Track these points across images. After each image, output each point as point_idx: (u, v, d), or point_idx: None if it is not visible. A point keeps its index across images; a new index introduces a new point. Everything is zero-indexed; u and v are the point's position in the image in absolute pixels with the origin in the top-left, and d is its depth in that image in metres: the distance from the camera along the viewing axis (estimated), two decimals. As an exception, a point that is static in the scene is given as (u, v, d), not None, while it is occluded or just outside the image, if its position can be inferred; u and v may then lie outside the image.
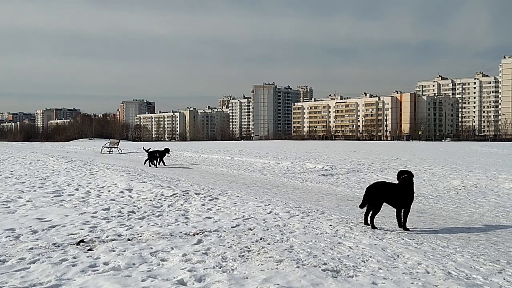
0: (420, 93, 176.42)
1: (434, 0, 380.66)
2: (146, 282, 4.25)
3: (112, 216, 7.45)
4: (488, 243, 6.07)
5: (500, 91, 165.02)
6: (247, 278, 4.36)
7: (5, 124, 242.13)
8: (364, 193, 7.03)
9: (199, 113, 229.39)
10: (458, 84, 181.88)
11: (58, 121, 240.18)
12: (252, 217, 7.38)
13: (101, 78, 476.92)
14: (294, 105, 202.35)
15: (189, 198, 9.33)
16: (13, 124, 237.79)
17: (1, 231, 6.28)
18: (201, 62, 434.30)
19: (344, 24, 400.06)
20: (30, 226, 6.61)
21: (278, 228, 6.57)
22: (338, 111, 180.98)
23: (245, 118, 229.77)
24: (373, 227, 6.70)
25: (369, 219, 6.80)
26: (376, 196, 6.78)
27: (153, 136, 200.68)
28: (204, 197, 9.41)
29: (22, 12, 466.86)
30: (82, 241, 5.75)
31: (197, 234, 6.19)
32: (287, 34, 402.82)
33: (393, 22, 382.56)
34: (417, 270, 4.63)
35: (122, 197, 9.67)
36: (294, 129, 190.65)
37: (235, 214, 7.71)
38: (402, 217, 6.85)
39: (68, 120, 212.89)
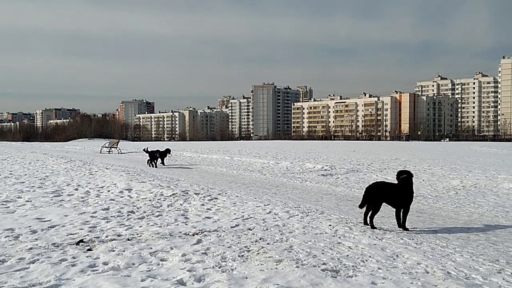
0: (420, 93, 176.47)
1: (434, 0, 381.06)
2: (145, 282, 4.25)
3: (111, 216, 7.45)
4: (487, 243, 6.07)
5: (499, 91, 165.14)
6: (246, 278, 4.36)
7: (4, 124, 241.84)
8: (363, 193, 7.03)
9: (199, 113, 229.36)
10: (457, 84, 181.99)
11: (58, 121, 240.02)
12: (251, 217, 7.38)
13: (101, 78, 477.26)
14: (293, 105, 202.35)
15: (189, 198, 9.33)
16: (12, 124, 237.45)
17: (0, 231, 6.28)
18: (201, 62, 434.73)
19: (344, 24, 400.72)
20: (30, 226, 6.61)
21: (277, 228, 6.58)
22: (337, 111, 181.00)
23: (244, 118, 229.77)
24: (373, 227, 6.70)
25: (368, 219, 6.81)
26: (375, 196, 6.78)
27: (153, 136, 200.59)
28: (204, 197, 9.41)
29: (22, 12, 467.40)
30: (81, 241, 5.75)
31: (197, 234, 6.19)
32: (287, 34, 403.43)
33: (393, 22, 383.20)
34: (416, 270, 4.63)
35: (122, 197, 9.67)
36: (294, 129, 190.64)
37: (235, 214, 7.71)
38: (401, 217, 6.85)
39: (68, 120, 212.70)
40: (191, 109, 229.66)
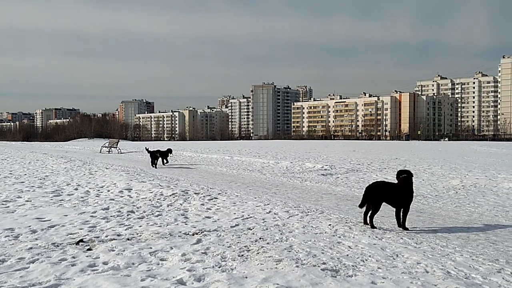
0: (420, 93, 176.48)
1: (434, 0, 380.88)
2: (145, 281, 4.25)
3: (111, 216, 7.46)
4: (487, 242, 6.07)
5: (499, 90, 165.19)
6: (246, 277, 4.36)
7: (4, 124, 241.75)
8: (363, 193, 7.03)
9: (199, 113, 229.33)
10: (457, 84, 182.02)
11: (58, 120, 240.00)
12: (251, 217, 7.38)
13: (101, 78, 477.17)
14: (293, 105, 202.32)
15: (189, 197, 9.33)
16: (12, 123, 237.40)
17: (0, 231, 6.28)
18: (200, 62, 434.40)
19: (344, 24, 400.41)
20: (29, 226, 6.61)
21: (277, 227, 6.58)
22: (337, 110, 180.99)
23: (244, 118, 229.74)
24: (372, 226, 6.70)
25: (368, 218, 6.81)
26: (375, 196, 6.78)
27: (153, 136, 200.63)
28: (204, 196, 9.41)
29: (22, 12, 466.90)
30: (81, 240, 5.75)
31: (197, 234, 6.19)
32: (287, 34, 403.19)
33: (393, 22, 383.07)
34: (416, 270, 4.63)
35: (122, 196, 9.67)
36: (294, 129, 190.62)
37: (235, 213, 7.71)
38: (401, 217, 6.85)
39: (68, 120, 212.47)
40: (191, 109, 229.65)
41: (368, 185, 7.17)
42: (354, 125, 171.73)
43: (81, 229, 6.47)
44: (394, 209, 6.95)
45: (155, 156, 19.03)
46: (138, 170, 16.26)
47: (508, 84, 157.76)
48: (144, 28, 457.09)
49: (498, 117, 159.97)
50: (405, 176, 6.94)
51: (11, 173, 14.77)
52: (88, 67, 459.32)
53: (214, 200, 9.09)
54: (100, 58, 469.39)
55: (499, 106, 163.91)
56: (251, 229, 6.45)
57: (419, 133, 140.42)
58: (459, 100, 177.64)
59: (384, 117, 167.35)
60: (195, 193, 9.78)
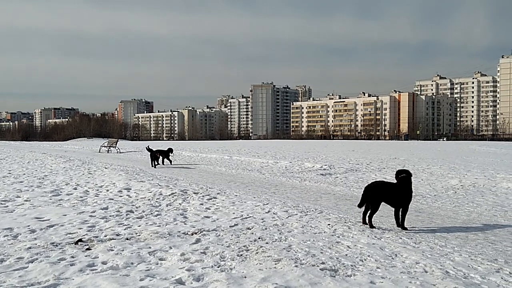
0: (419, 93, 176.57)
1: (433, 0, 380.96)
2: (144, 281, 4.25)
3: (110, 216, 7.45)
4: (486, 242, 6.08)
5: (498, 90, 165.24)
6: (245, 277, 4.36)
7: (3, 123, 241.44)
8: (362, 193, 7.04)
9: (198, 113, 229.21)
10: (456, 84, 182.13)
11: (57, 120, 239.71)
12: (250, 217, 7.39)
13: (101, 78, 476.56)
14: (292, 104, 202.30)
15: (188, 197, 9.33)
16: (11, 123, 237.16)
17: (-1, 231, 6.27)
18: (200, 62, 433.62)
19: (344, 24, 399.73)
20: (28, 226, 6.61)
21: (276, 227, 6.58)
22: (336, 110, 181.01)
23: (243, 118, 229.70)
24: (371, 226, 6.70)
25: (367, 218, 6.81)
26: (374, 196, 6.78)
27: (152, 135, 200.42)
28: (203, 196, 9.41)
29: (22, 12, 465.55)
30: (80, 240, 5.75)
31: (196, 234, 6.19)
32: (286, 34, 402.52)
33: (393, 22, 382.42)
34: (415, 269, 4.63)
35: (121, 196, 9.67)
36: (293, 129, 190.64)
37: (234, 213, 7.71)
38: (400, 216, 6.85)
39: (67, 119, 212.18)
40: (190, 108, 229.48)
41: (367, 184, 7.18)
42: (353, 125, 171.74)
43: (80, 228, 6.47)
44: (393, 209, 6.95)
45: (155, 156, 18.89)
46: (137, 170, 16.25)
47: (507, 84, 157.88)
48: (144, 28, 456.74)
49: (497, 117, 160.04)
50: (404, 176, 6.94)
51: (10, 173, 14.75)
52: (88, 67, 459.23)
53: (213, 199, 9.09)
54: (100, 58, 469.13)
55: (498, 106, 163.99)
56: (250, 229, 6.45)
57: (418, 133, 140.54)
58: (458, 100, 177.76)
59: (383, 117, 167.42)
60: (194, 193, 9.78)
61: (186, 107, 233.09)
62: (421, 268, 4.69)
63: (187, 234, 6.19)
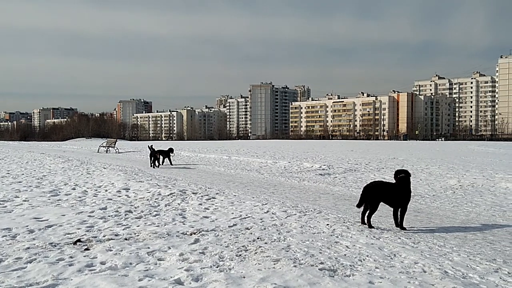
0: (417, 93, 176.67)
1: (433, 1, 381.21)
2: (143, 281, 4.25)
3: (109, 216, 7.45)
4: (485, 242, 6.09)
5: (497, 90, 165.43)
6: (244, 277, 4.36)
7: (1, 123, 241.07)
8: (361, 193, 7.04)
9: (197, 113, 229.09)
10: (455, 84, 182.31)
11: (55, 120, 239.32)
12: (249, 217, 7.38)
13: (101, 78, 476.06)
14: (291, 104, 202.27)
15: (186, 197, 9.32)
16: (9, 123, 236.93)
17: (-3, 231, 6.26)
18: (199, 62, 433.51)
19: (344, 24, 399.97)
20: (27, 226, 6.60)
21: (275, 227, 6.58)
22: (335, 110, 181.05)
23: (242, 118, 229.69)
24: (370, 226, 6.71)
25: (366, 218, 6.82)
26: (373, 196, 6.79)
27: (150, 135, 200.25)
28: (201, 196, 9.41)
29: (22, 12, 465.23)
30: (79, 240, 5.74)
31: (194, 234, 6.19)
32: (286, 34, 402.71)
33: (392, 22, 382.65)
34: (413, 269, 4.64)
35: (119, 196, 9.66)
36: (292, 129, 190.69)
37: (232, 213, 7.71)
38: (399, 216, 6.86)
39: (65, 119, 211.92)
40: (189, 108, 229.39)
41: (365, 184, 7.19)
42: (352, 125, 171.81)
43: (78, 229, 6.46)
44: (392, 209, 6.96)
45: (155, 156, 18.71)
46: (136, 170, 16.24)
47: (506, 84, 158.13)
48: (144, 28, 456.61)
49: (496, 117, 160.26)
50: (403, 176, 6.95)
51: (8, 173, 14.74)
52: (88, 67, 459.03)
53: (212, 200, 9.09)
54: (100, 58, 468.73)
55: (496, 106, 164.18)
56: (249, 229, 6.45)
57: (417, 133, 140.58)
58: (457, 100, 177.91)
59: (382, 117, 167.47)
60: (193, 193, 9.77)
61: (185, 107, 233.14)
62: (420, 268, 4.69)
63: (185, 234, 6.18)
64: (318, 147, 43.10)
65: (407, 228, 6.78)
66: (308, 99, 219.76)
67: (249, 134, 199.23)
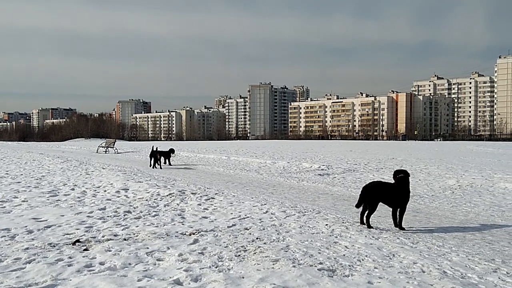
0: (416, 93, 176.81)
1: (432, 1, 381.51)
2: (142, 282, 4.24)
3: (108, 216, 7.44)
4: (483, 242, 6.10)
5: (495, 91, 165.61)
6: (243, 277, 4.36)
7: (0, 123, 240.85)
8: (360, 193, 7.05)
9: (196, 113, 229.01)
10: (453, 84, 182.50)
11: (54, 120, 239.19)
12: (248, 217, 7.39)
13: (101, 78, 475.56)
14: (290, 104, 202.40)
15: (185, 197, 9.32)
16: (8, 123, 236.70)
17: (-4, 231, 6.25)
18: (199, 62, 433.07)
19: (343, 24, 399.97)
20: (26, 226, 6.59)
21: (274, 227, 6.58)
22: (334, 110, 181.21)
23: (241, 118, 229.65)
24: (369, 226, 6.71)
25: (365, 218, 6.82)
26: (372, 196, 6.79)
27: (149, 135, 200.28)
28: (201, 196, 9.41)
29: (22, 12, 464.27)
30: (78, 241, 5.74)
31: (193, 234, 6.19)
32: (286, 34, 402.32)
33: (392, 22, 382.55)
34: (412, 269, 4.64)
35: (118, 196, 9.65)
36: (291, 129, 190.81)
37: (231, 213, 7.71)
38: (397, 217, 6.86)
39: (64, 119, 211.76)
40: (188, 108, 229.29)
41: (364, 185, 7.19)
42: (351, 125, 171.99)
43: (77, 229, 6.46)
44: (391, 209, 6.96)
45: (155, 156, 18.64)
46: (135, 170, 16.23)
47: (504, 84, 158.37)
48: (144, 28, 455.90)
49: (495, 117, 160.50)
50: (402, 176, 6.96)
51: (7, 173, 14.71)
52: (88, 67, 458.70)
53: (211, 200, 9.09)
54: (100, 58, 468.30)
55: (495, 106, 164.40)
56: (248, 229, 6.45)
57: (415, 133, 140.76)
58: (456, 100, 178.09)
59: (381, 117, 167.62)
60: (192, 193, 9.77)
61: (184, 107, 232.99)
62: (419, 268, 4.69)
63: (185, 234, 6.18)
64: (317, 147, 43.12)
65: (406, 228, 6.79)
66: (307, 99, 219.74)
67: (248, 134, 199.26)
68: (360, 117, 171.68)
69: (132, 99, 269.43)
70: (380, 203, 6.89)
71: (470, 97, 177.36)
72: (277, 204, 8.68)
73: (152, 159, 18.64)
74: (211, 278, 4.35)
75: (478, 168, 17.04)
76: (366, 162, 20.84)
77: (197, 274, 4.48)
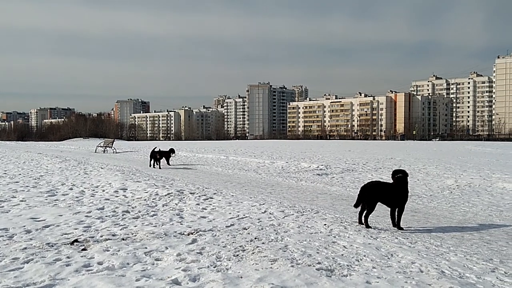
0: (415, 93, 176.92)
1: (430, 1, 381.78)
2: (140, 281, 4.24)
3: (106, 216, 7.43)
4: (482, 242, 6.11)
5: (494, 90, 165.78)
6: (241, 277, 4.36)
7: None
8: (358, 193, 7.05)
9: (194, 113, 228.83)
10: (452, 84, 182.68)
11: (52, 120, 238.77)
12: (246, 217, 7.39)
13: (100, 78, 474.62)
14: (289, 104, 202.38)
15: (184, 197, 9.32)
16: (7, 123, 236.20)
17: (-6, 231, 6.24)
18: (197, 62, 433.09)
19: (342, 25, 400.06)
20: (24, 226, 6.58)
21: (272, 227, 6.58)
22: (333, 110, 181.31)
23: (240, 118, 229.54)
24: (367, 226, 6.72)
25: (363, 218, 6.83)
26: (370, 196, 6.80)
27: (148, 135, 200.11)
28: (199, 196, 9.40)
29: (22, 12, 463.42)
30: (76, 240, 5.73)
31: (192, 234, 6.19)
32: (284, 34, 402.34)
33: (390, 22, 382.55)
34: (410, 269, 4.65)
35: (117, 196, 9.64)
36: (289, 129, 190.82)
37: (230, 213, 7.71)
38: (396, 216, 6.87)
39: (63, 119, 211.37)
40: (186, 108, 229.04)
41: (363, 185, 7.19)
42: (349, 125, 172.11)
43: (76, 229, 6.45)
44: (389, 209, 6.97)
45: (155, 156, 18.59)
46: (133, 170, 16.21)
47: (503, 84, 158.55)
48: (143, 28, 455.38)
49: (493, 117, 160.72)
50: (400, 176, 6.97)
51: (5, 173, 14.69)
52: (88, 67, 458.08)
53: (210, 200, 9.09)
54: (99, 58, 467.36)
55: (493, 106, 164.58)
56: (246, 229, 6.45)
57: (414, 133, 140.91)
58: (454, 100, 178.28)
59: (380, 117, 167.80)
60: (191, 193, 9.77)
61: (182, 107, 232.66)
62: (417, 268, 4.70)
63: (183, 234, 6.18)
64: (315, 147, 43.13)
65: (404, 228, 6.80)
66: (306, 99, 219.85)
67: (247, 134, 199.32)
68: (359, 117, 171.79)
69: (131, 99, 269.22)
70: (379, 203, 6.90)
71: (468, 97, 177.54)
72: (276, 204, 8.68)
73: (152, 159, 18.63)
74: (210, 278, 4.35)
75: (476, 168, 17.07)
76: (364, 162, 20.86)
77: (196, 274, 4.47)
